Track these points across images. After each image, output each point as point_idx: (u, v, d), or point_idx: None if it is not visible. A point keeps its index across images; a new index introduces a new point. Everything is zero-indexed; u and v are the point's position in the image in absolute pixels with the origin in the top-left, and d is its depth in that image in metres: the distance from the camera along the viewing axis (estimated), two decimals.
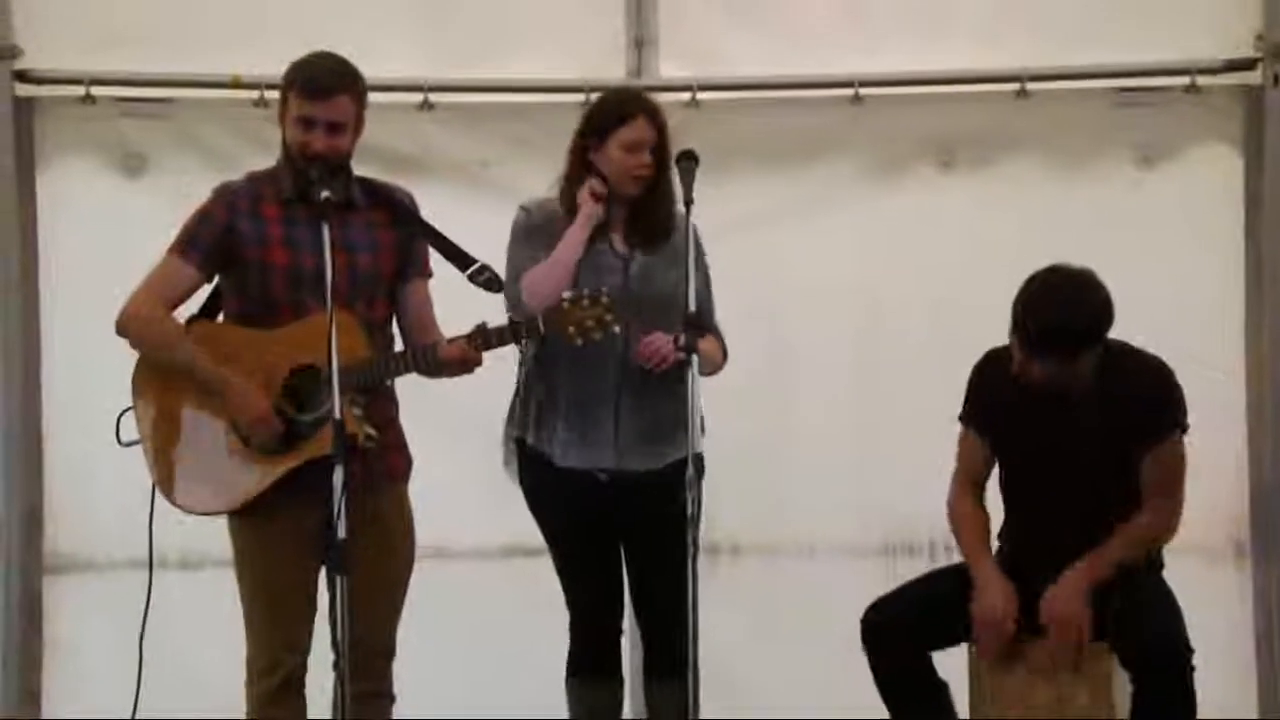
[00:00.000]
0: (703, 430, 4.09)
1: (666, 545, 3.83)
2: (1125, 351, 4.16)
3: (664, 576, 3.90)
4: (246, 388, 3.83)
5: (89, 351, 4.83)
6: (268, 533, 3.88)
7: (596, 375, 4.11)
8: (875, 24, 5.24)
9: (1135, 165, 5.25)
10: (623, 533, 4.18)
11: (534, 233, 4.17)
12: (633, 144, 4.14)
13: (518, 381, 4.24)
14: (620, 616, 4.27)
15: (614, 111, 4.20)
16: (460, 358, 3.85)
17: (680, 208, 4.12)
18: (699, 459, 3.81)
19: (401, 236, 3.99)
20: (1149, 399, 4.13)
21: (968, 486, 4.28)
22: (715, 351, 4.20)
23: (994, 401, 4.21)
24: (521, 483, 4.25)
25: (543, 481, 4.20)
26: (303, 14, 5.06)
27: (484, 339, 3.86)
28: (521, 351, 4.18)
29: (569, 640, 4.26)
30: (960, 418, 4.30)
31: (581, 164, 4.20)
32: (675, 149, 4.14)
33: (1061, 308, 4.02)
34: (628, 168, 4.15)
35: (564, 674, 4.27)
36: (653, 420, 4.10)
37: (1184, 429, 4.17)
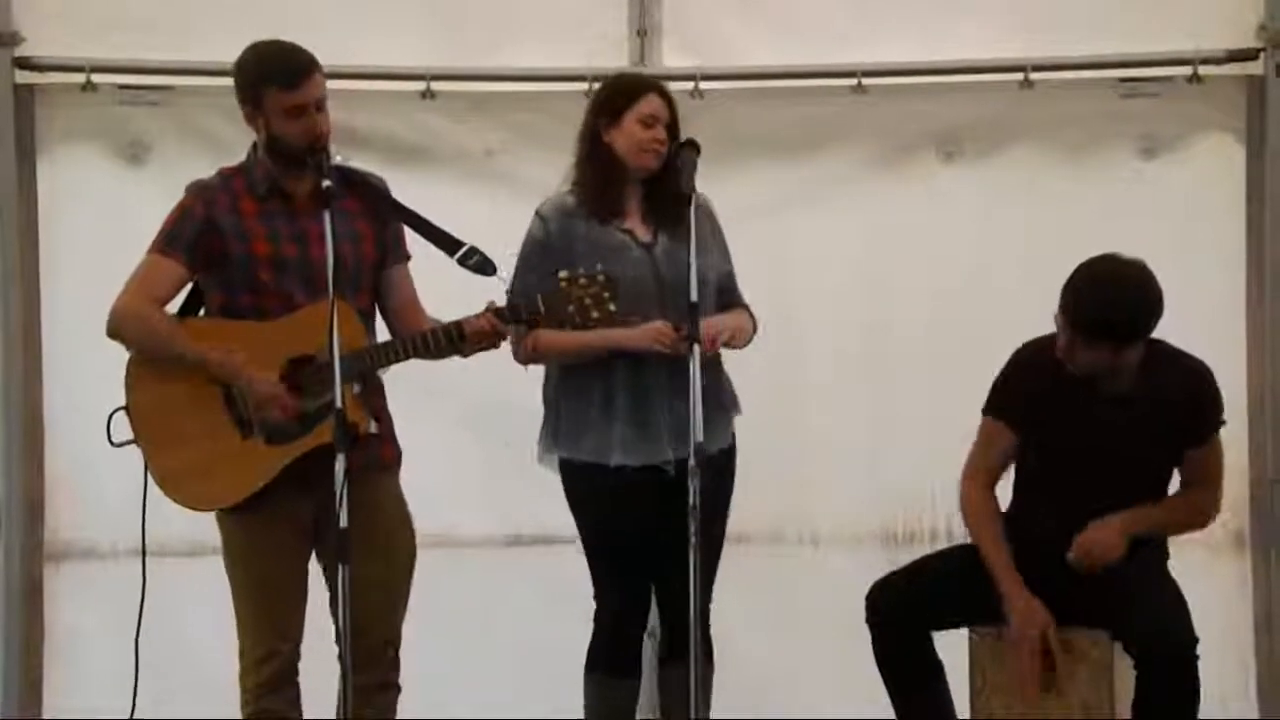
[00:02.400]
0: (736, 409, 4.24)
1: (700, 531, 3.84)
2: (1169, 353, 4.17)
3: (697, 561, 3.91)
4: (252, 373, 3.81)
5: (90, 339, 4.78)
6: (259, 523, 3.88)
7: (650, 370, 4.10)
8: (879, 13, 5.23)
9: (1138, 155, 5.25)
10: (669, 524, 4.12)
11: (545, 252, 4.15)
12: (649, 117, 4.15)
13: (546, 398, 4.23)
14: (646, 618, 4.28)
15: (628, 89, 4.23)
16: (491, 329, 3.83)
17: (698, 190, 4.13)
18: (700, 448, 3.80)
19: (379, 224, 3.98)
20: (1194, 403, 4.16)
21: (981, 482, 4.25)
22: (747, 323, 4.25)
23: (1031, 394, 4.19)
24: (571, 495, 4.22)
25: (598, 489, 4.16)
26: (305, 1, 5.04)
27: (499, 314, 3.84)
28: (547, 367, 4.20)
29: (592, 635, 4.25)
30: (987, 409, 4.26)
31: (592, 146, 4.21)
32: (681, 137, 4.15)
33: (1119, 299, 4.02)
34: (643, 141, 4.15)
35: (582, 667, 4.25)
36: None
37: (1223, 425, 4.22)
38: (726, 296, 4.24)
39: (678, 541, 4.04)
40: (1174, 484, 4.28)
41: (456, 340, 3.84)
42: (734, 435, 4.26)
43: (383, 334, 4.04)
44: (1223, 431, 4.25)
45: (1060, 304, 4.06)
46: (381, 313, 4.03)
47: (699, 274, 3.96)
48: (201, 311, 3.97)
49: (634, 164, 4.18)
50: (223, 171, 3.98)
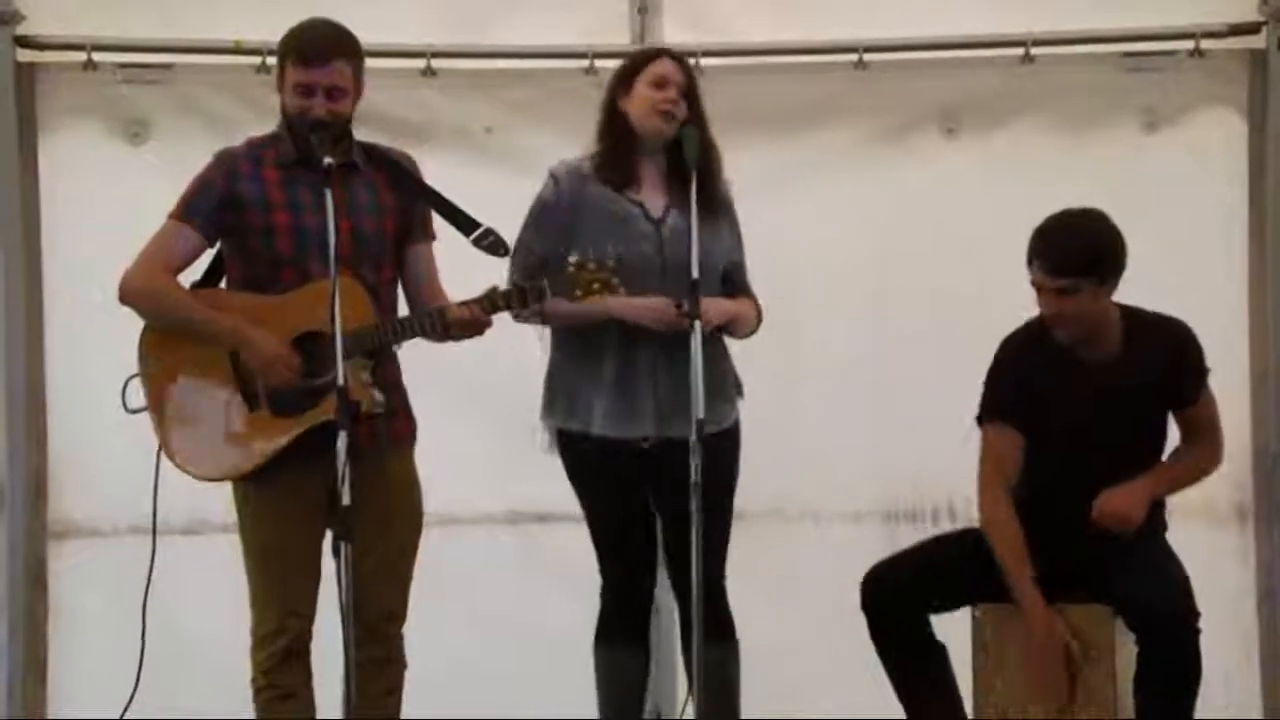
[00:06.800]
0: (740, 393, 4.24)
1: (706, 509, 3.85)
2: (1145, 317, 4.21)
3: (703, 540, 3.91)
4: (260, 334, 3.83)
5: (92, 317, 4.83)
6: (272, 497, 3.90)
7: (642, 345, 4.09)
8: None
9: (1141, 129, 5.25)
10: (662, 500, 4.17)
11: (553, 213, 4.16)
12: (659, 79, 4.14)
13: (549, 366, 4.24)
14: (653, 586, 4.28)
15: (639, 56, 4.26)
16: (471, 319, 3.85)
17: (728, 176, 4.19)
18: (700, 425, 3.84)
19: (403, 199, 4.00)
20: (1177, 364, 4.19)
21: (1000, 490, 4.19)
22: (751, 313, 4.24)
23: (1020, 379, 4.21)
24: (564, 464, 4.24)
25: (584, 457, 4.18)
26: None
27: (492, 303, 3.86)
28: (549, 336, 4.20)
29: (600, 607, 4.27)
30: (982, 415, 4.25)
31: (609, 116, 4.21)
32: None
33: (1076, 230, 4.10)
34: (654, 102, 4.13)
35: (573, 642, 4.27)
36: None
37: (1208, 374, 4.24)
38: (731, 286, 4.22)
39: (675, 519, 4.06)
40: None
41: (439, 326, 3.85)
42: (736, 420, 4.23)
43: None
44: (1221, 402, 4.27)
45: (1027, 255, 4.09)
46: (403, 290, 4.04)
47: (704, 254, 3.96)
48: (223, 282, 3.98)
49: (647, 128, 4.16)
50: (251, 141, 4.00)
